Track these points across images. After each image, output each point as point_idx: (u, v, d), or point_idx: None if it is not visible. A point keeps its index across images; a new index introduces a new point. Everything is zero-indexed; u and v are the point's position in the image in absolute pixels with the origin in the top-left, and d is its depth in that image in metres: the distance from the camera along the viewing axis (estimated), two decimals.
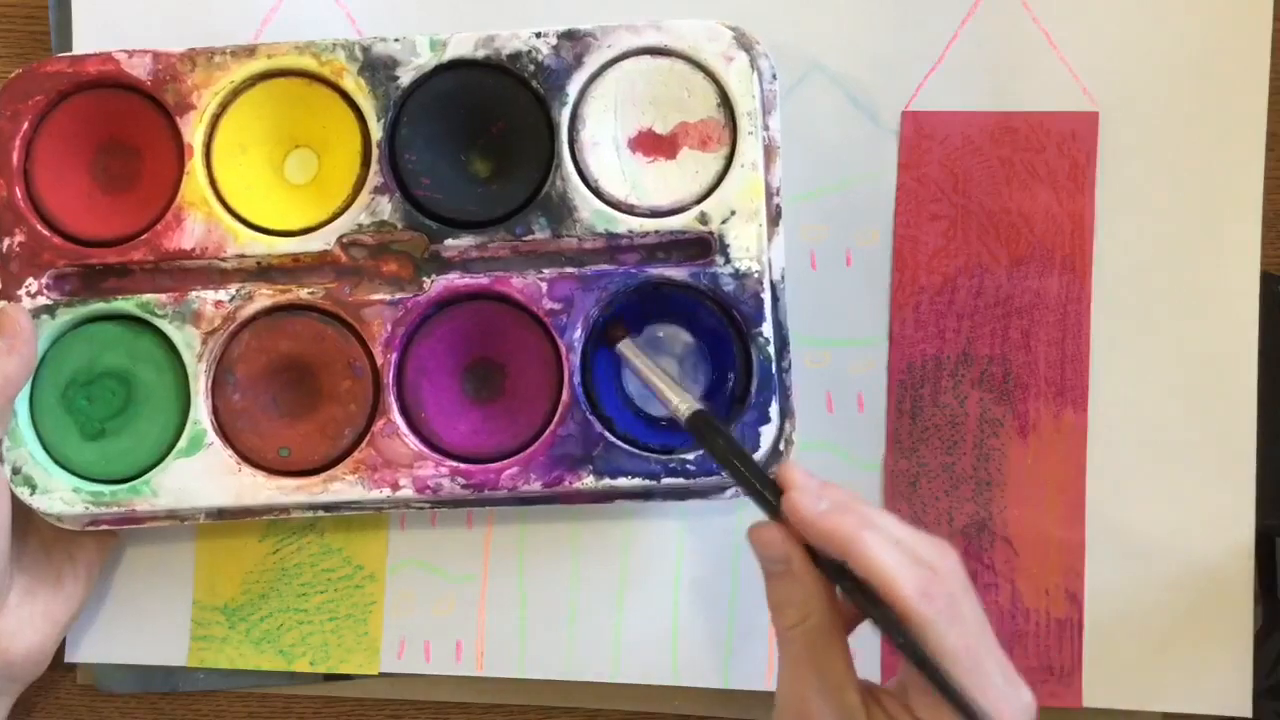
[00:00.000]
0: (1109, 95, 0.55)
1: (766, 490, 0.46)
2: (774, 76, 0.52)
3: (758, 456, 0.50)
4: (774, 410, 0.51)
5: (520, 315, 0.52)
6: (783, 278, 0.52)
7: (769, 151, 0.52)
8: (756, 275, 0.51)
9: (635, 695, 0.57)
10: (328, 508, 0.52)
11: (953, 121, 0.56)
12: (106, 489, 0.52)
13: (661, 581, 0.56)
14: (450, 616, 0.57)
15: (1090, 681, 0.55)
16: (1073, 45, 0.55)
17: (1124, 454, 0.55)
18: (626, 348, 0.52)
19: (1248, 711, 0.55)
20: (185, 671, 0.57)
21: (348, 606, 0.57)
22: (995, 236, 0.56)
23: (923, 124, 0.56)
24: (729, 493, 0.53)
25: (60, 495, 0.52)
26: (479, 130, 0.53)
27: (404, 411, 0.52)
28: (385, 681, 0.57)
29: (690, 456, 0.51)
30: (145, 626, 0.57)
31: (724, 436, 0.48)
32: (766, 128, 0.52)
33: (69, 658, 0.57)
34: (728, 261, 0.51)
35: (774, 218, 0.52)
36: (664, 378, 0.50)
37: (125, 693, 0.58)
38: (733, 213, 0.51)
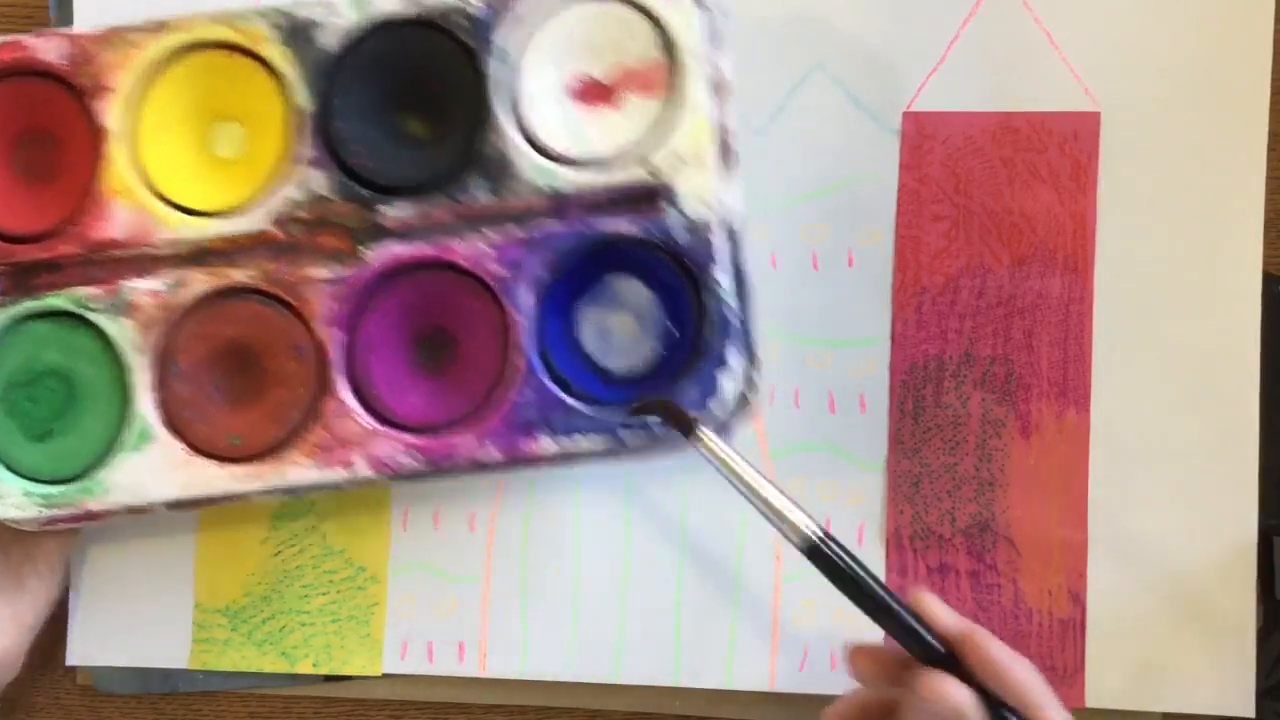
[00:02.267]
0: (1111, 95, 0.55)
1: (925, 634, 0.46)
2: (725, 13, 0.50)
3: (719, 403, 0.49)
4: (733, 357, 0.50)
5: (468, 281, 0.50)
6: (742, 222, 0.50)
7: (720, 90, 0.50)
8: (710, 223, 0.49)
9: (635, 695, 0.57)
10: (288, 491, 0.51)
11: (954, 122, 0.56)
12: (57, 490, 0.51)
13: (663, 583, 0.56)
14: (453, 618, 0.57)
15: (1093, 681, 0.55)
16: (1074, 45, 0.55)
17: (1126, 454, 0.55)
18: (704, 446, 0.48)
19: (1250, 712, 0.55)
20: (185, 672, 0.57)
21: (350, 608, 0.57)
22: (997, 237, 0.56)
23: (924, 124, 0.56)
24: (675, 453, 0.51)
25: (12, 500, 0.51)
26: (412, 92, 0.51)
27: (354, 389, 0.51)
28: (385, 682, 0.57)
29: None
30: (147, 630, 0.57)
31: (855, 565, 0.47)
32: (716, 66, 0.50)
33: (70, 661, 0.57)
34: (679, 211, 0.49)
35: (728, 161, 0.50)
36: (759, 488, 0.47)
37: (125, 693, 0.58)
38: (681, 160, 0.49)
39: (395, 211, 0.50)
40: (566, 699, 0.57)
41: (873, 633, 0.48)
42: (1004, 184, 0.56)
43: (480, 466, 0.51)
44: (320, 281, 0.50)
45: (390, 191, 0.50)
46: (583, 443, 0.50)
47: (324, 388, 0.50)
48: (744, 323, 0.50)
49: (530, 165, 0.49)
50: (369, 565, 0.57)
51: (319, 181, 0.50)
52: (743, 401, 0.51)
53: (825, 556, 0.47)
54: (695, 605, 0.56)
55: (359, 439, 0.50)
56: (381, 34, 0.50)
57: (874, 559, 0.56)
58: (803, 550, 0.47)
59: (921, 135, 0.56)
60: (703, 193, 0.49)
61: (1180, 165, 0.55)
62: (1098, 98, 0.55)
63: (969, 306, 0.56)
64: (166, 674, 0.57)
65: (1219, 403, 0.55)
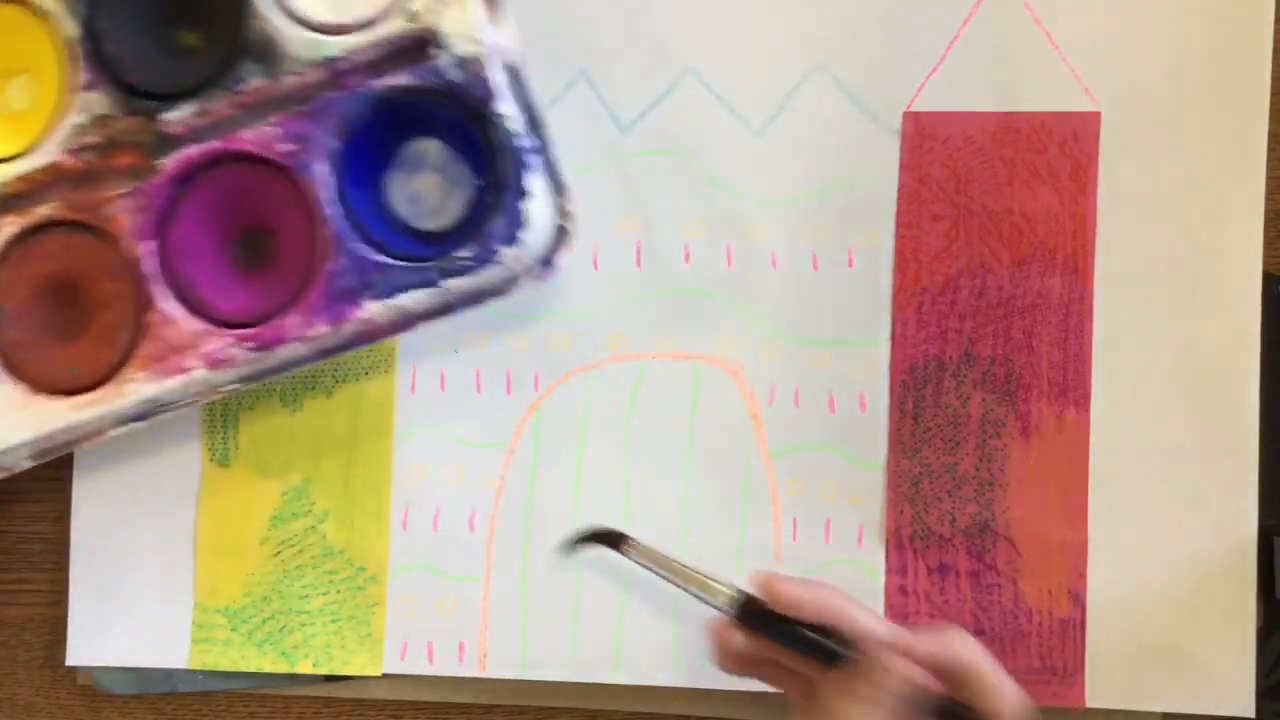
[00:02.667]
0: (1111, 95, 0.55)
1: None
2: None
3: (533, 234, 0.51)
4: (532, 184, 0.51)
5: (265, 170, 0.51)
6: (520, 60, 0.52)
7: None
8: (479, 56, 0.50)
9: (635, 695, 0.57)
10: (139, 416, 0.52)
11: (954, 122, 0.56)
12: None
13: (663, 583, 0.56)
14: (453, 618, 0.57)
15: (1093, 681, 0.55)
16: (1074, 46, 0.55)
17: (1126, 454, 0.55)
18: (635, 552, 0.52)
19: (1250, 711, 0.55)
20: (185, 672, 0.57)
21: (350, 608, 0.57)
22: (997, 237, 0.56)
23: (924, 124, 0.56)
24: (522, 285, 0.52)
25: None
26: (175, 1, 0.52)
27: (176, 296, 0.51)
28: (385, 682, 0.57)
29: (467, 253, 0.51)
30: (147, 630, 0.57)
31: (776, 619, 0.49)
32: None
33: (70, 661, 0.57)
34: (447, 51, 0.50)
35: (494, 3, 0.51)
36: (687, 573, 0.51)
37: (125, 693, 0.58)
38: (441, 2, 0.50)
39: (178, 115, 0.51)
40: (566, 699, 0.57)
41: None
42: (1004, 184, 0.56)
43: (314, 345, 0.51)
44: (119, 198, 0.51)
45: (172, 99, 0.51)
46: (407, 300, 0.51)
47: (146, 302, 0.51)
48: (543, 153, 0.52)
49: (297, 40, 0.50)
50: (369, 565, 0.57)
51: (100, 103, 0.51)
52: (560, 232, 0.52)
53: (755, 614, 0.50)
54: (695, 606, 0.56)
55: (189, 342, 0.51)
56: None
57: (874, 559, 0.56)
58: (734, 614, 0.50)
59: (921, 135, 0.56)
60: (468, 30, 0.50)
61: (1180, 165, 0.55)
62: (1098, 98, 0.55)
63: (969, 306, 0.56)
64: (166, 674, 0.57)
65: (1219, 403, 0.55)
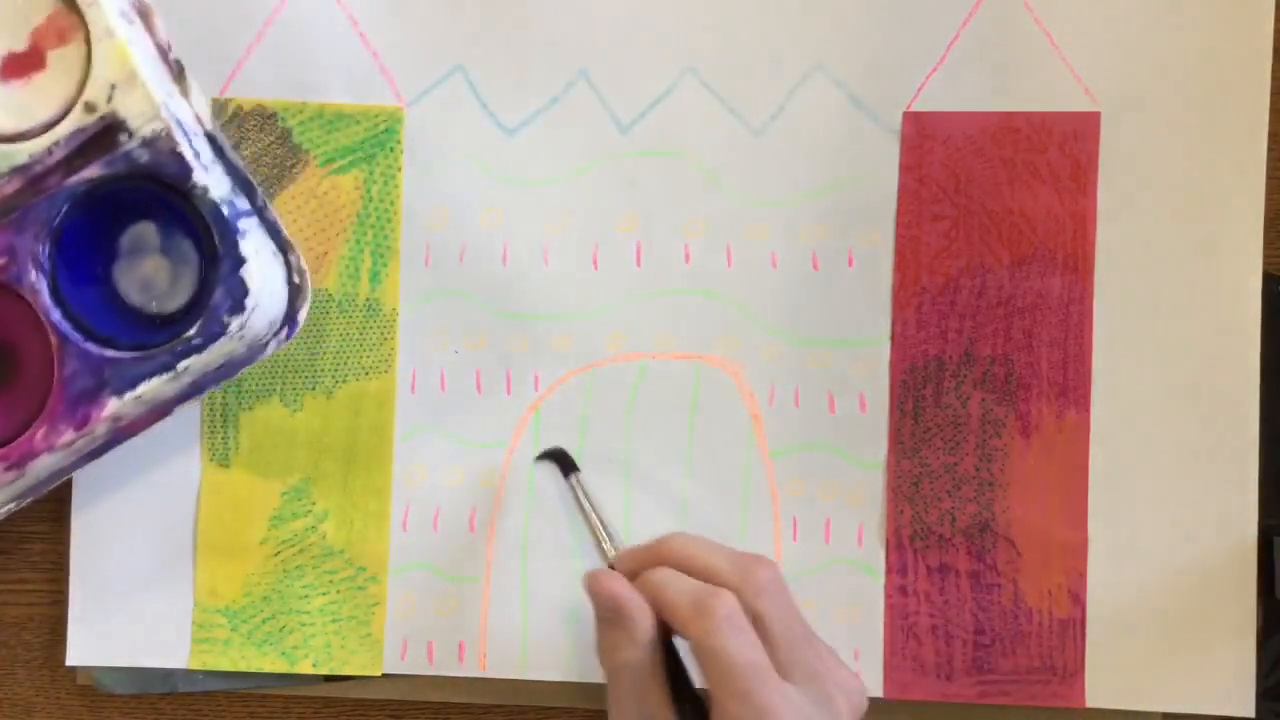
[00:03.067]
0: (1111, 95, 0.55)
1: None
2: None
3: (260, 299, 0.50)
4: (248, 249, 0.50)
5: None
6: (215, 125, 0.52)
7: (142, 12, 0.51)
8: (164, 133, 0.50)
9: None
10: None
11: (954, 122, 0.56)
12: None
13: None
14: (453, 618, 0.57)
15: (1093, 681, 0.55)
16: (1074, 45, 0.55)
17: (1127, 454, 0.55)
18: (575, 489, 0.55)
19: (1250, 711, 0.55)
20: (185, 672, 0.57)
21: (350, 608, 0.57)
22: (997, 237, 0.56)
23: (924, 124, 0.56)
24: (271, 347, 0.53)
25: None
26: None
27: None
28: (385, 682, 0.57)
29: (192, 331, 0.50)
30: (147, 630, 0.57)
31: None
32: None
33: (69, 661, 0.57)
34: (131, 135, 0.50)
35: (176, 73, 0.51)
36: (592, 523, 0.53)
37: (125, 693, 0.58)
38: (113, 86, 0.49)
39: None
40: (566, 699, 0.57)
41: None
42: (1004, 184, 0.56)
43: (69, 452, 0.51)
44: None
45: None
46: (148, 390, 0.50)
47: None
48: (259, 215, 0.52)
49: None
50: (369, 565, 0.57)
51: None
52: (295, 289, 0.53)
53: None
54: None
55: None
56: None
57: (874, 559, 0.56)
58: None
59: (921, 135, 0.56)
60: (145, 109, 0.50)
61: (1180, 165, 0.55)
62: (1098, 98, 0.55)
63: (969, 306, 0.56)
64: (166, 674, 0.57)
65: (1219, 403, 0.55)
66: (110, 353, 0.50)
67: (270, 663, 0.57)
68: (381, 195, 0.56)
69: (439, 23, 0.56)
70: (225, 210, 0.50)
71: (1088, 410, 0.55)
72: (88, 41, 0.50)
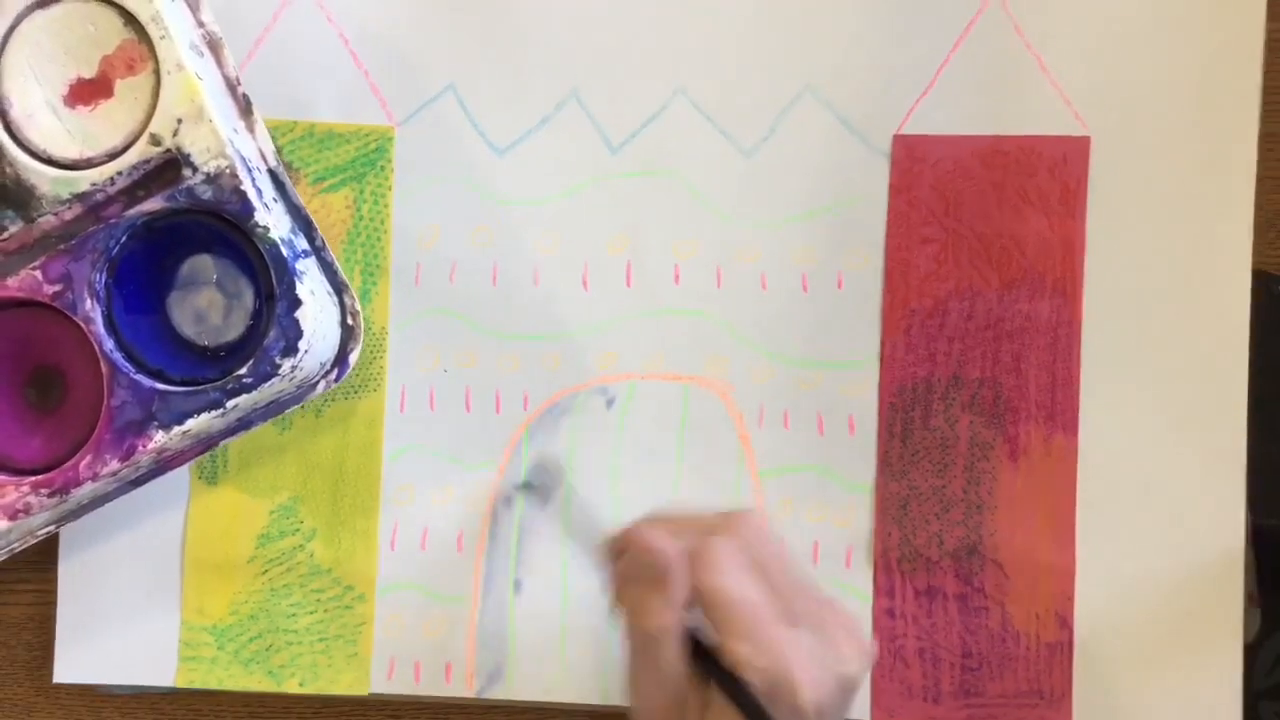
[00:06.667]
0: (1100, 120, 0.55)
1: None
2: None
3: (312, 341, 0.50)
4: (304, 292, 0.50)
5: (46, 313, 0.51)
6: (279, 163, 0.52)
7: (212, 45, 0.51)
8: (229, 170, 0.50)
9: None
10: None
11: (944, 145, 0.56)
12: None
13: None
14: (440, 637, 0.57)
15: (1080, 704, 0.55)
16: (1064, 70, 0.55)
17: (1114, 478, 0.55)
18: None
19: None
20: None
21: (337, 627, 0.57)
22: (986, 260, 0.56)
23: (914, 147, 0.56)
24: (320, 387, 0.53)
25: None
26: None
27: None
28: None
29: (244, 370, 0.50)
30: (134, 647, 0.57)
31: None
32: (200, 24, 0.51)
33: (57, 678, 0.57)
34: (195, 170, 0.50)
35: (244, 108, 0.51)
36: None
37: (124, 693, 0.58)
38: (179, 121, 0.49)
39: None
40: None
41: None
42: (993, 207, 0.56)
43: (112, 480, 0.51)
44: None
45: None
46: (196, 425, 0.50)
47: None
48: (317, 256, 0.52)
49: (48, 180, 0.50)
50: (356, 584, 0.57)
51: None
52: (348, 330, 0.53)
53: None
54: None
55: None
56: None
57: (862, 581, 0.56)
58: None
59: (911, 158, 0.56)
60: (210, 145, 0.50)
61: (1169, 190, 0.55)
62: (1087, 122, 0.55)
63: (958, 329, 0.56)
64: None
65: (1207, 428, 0.55)
66: (160, 385, 0.50)
67: (257, 681, 0.57)
68: (372, 214, 0.56)
69: (430, 42, 0.56)
70: (284, 250, 0.50)
71: (1075, 434, 0.55)
72: (157, 73, 0.50)
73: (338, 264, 0.53)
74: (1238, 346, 0.55)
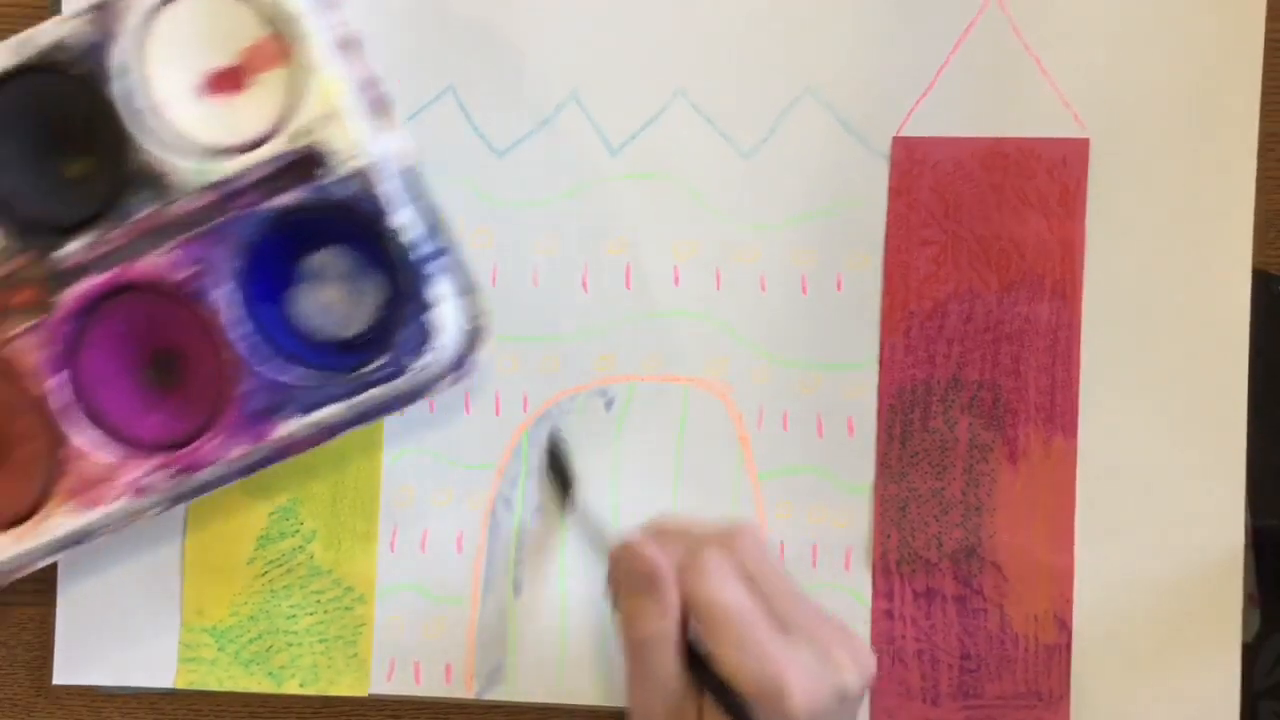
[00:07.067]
0: (1100, 122, 0.55)
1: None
2: None
3: (441, 342, 0.51)
4: (436, 294, 0.51)
5: (172, 297, 0.51)
6: (414, 164, 0.52)
7: (348, 45, 0.51)
8: (365, 170, 0.50)
9: None
10: (65, 546, 0.52)
11: (944, 147, 0.56)
12: None
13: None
14: (440, 639, 0.57)
15: (1078, 707, 0.55)
16: (1064, 72, 0.55)
17: (1114, 480, 0.55)
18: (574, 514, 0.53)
19: None
20: None
21: (337, 628, 0.57)
22: (986, 262, 0.56)
23: (914, 149, 0.56)
24: (444, 384, 0.53)
25: None
26: (54, 133, 0.51)
27: (91, 427, 0.51)
28: None
29: (375, 366, 0.51)
30: (133, 649, 0.57)
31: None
32: (340, 23, 0.51)
33: (56, 680, 0.57)
34: (332, 168, 0.50)
35: (379, 108, 0.51)
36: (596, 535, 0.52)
37: (125, 693, 0.58)
38: (317, 119, 0.50)
39: (73, 249, 0.51)
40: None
41: None
42: (993, 209, 0.56)
43: (235, 464, 0.52)
44: (19, 336, 0.51)
45: (65, 232, 0.51)
46: (325, 414, 0.51)
47: (59, 437, 0.51)
48: (447, 256, 0.52)
49: (185, 165, 0.50)
50: (356, 585, 0.57)
51: None
52: (474, 333, 0.53)
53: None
54: None
55: (108, 474, 0.51)
56: (7, 88, 0.50)
57: (861, 583, 0.56)
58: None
59: (911, 160, 0.56)
60: (352, 145, 0.50)
61: (1169, 192, 0.55)
62: (1087, 124, 0.55)
63: (957, 331, 0.56)
64: None
65: (1207, 430, 0.55)
66: (292, 374, 0.51)
67: (257, 682, 0.57)
68: None
69: (430, 44, 0.56)
70: (417, 251, 0.51)
71: (1075, 436, 0.56)
72: (297, 70, 0.50)
73: (468, 265, 0.53)
74: (1238, 346, 0.55)
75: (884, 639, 0.56)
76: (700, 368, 0.57)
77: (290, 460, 0.57)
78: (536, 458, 0.56)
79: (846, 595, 0.56)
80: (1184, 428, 0.55)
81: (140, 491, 0.51)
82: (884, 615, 0.56)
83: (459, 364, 0.53)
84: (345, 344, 0.54)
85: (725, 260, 0.56)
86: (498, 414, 0.57)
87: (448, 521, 0.57)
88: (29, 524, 0.51)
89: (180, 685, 0.57)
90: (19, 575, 0.52)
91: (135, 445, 0.52)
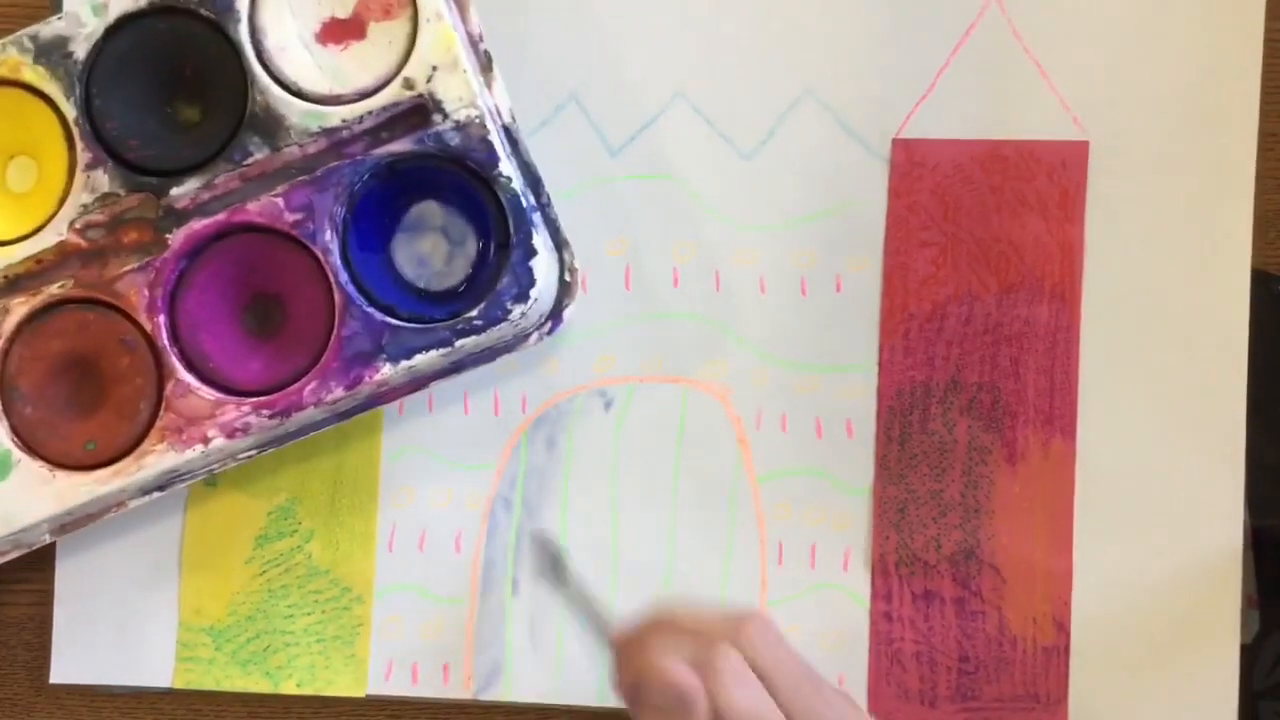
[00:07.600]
0: (1099, 125, 0.55)
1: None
2: None
3: (538, 287, 0.51)
4: (538, 242, 0.52)
5: (273, 239, 0.52)
6: (514, 119, 0.53)
7: (460, 3, 0.52)
8: (478, 120, 0.51)
9: None
10: (160, 486, 0.53)
11: (944, 149, 0.56)
12: None
13: (649, 605, 0.56)
14: (438, 639, 0.57)
15: (1076, 709, 0.55)
16: (1063, 75, 0.55)
17: (1112, 482, 0.55)
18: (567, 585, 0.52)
19: None
20: None
21: (335, 628, 0.57)
22: (985, 264, 0.56)
23: (914, 151, 0.56)
24: (533, 339, 0.53)
25: None
26: (171, 76, 0.53)
27: (191, 368, 0.52)
28: None
29: (475, 312, 0.51)
30: (131, 648, 0.57)
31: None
32: None
33: (54, 679, 0.57)
34: (446, 117, 0.51)
35: (485, 64, 0.53)
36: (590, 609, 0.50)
37: (124, 693, 0.58)
38: (434, 68, 0.51)
39: (183, 190, 0.52)
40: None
41: None
42: (992, 211, 0.56)
43: (330, 409, 0.52)
44: (128, 274, 0.52)
45: (176, 174, 0.52)
46: (421, 361, 0.51)
47: (161, 374, 0.52)
48: (543, 211, 0.53)
49: (297, 112, 0.51)
50: (354, 585, 0.57)
51: (104, 181, 0.52)
52: (565, 286, 0.54)
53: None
54: None
55: (206, 413, 0.52)
56: (127, 31, 0.52)
57: (859, 584, 0.56)
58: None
59: (911, 162, 0.56)
60: (463, 94, 0.51)
61: (1168, 195, 0.55)
62: (1086, 127, 0.55)
63: (956, 333, 0.56)
64: None
65: (1205, 432, 0.55)
66: (391, 320, 0.52)
67: (254, 682, 0.57)
68: None
69: None
70: (519, 201, 0.51)
71: (1073, 438, 0.56)
72: (413, 20, 0.51)
73: (560, 221, 0.54)
74: (1237, 347, 0.55)
75: (882, 641, 0.56)
76: (699, 369, 0.57)
77: (290, 462, 0.57)
78: (531, 559, 0.56)
79: (845, 597, 0.56)
80: (1184, 428, 0.55)
81: (234, 433, 0.52)
82: (882, 617, 0.56)
83: (551, 316, 0.54)
84: (439, 295, 0.54)
85: (725, 261, 0.56)
86: (497, 414, 0.57)
87: (446, 521, 0.57)
88: (127, 459, 0.52)
89: (178, 685, 0.57)
90: (113, 513, 0.53)
91: (233, 387, 0.52)
